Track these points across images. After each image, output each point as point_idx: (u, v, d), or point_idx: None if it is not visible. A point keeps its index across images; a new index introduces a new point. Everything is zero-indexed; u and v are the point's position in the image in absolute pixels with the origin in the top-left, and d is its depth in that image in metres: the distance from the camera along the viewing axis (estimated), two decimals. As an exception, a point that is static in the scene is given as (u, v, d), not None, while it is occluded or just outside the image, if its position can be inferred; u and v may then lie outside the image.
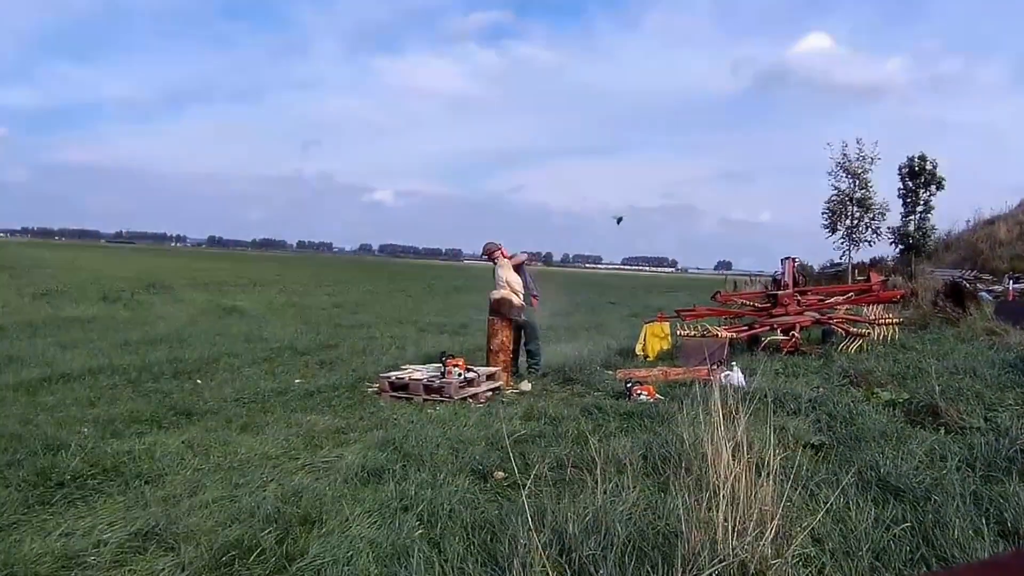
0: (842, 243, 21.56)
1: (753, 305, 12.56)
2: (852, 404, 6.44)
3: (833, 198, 21.53)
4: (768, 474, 3.28)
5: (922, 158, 21.58)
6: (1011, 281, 16.79)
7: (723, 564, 2.90)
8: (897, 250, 22.65)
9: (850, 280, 19.12)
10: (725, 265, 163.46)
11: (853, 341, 10.33)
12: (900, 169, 21.88)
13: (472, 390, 7.64)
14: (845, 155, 21.19)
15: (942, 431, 5.47)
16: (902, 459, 4.63)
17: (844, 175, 21.31)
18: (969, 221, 25.49)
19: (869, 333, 10.53)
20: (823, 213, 21.67)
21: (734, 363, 8.22)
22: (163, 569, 3.26)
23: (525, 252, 9.56)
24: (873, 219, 21.25)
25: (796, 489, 3.72)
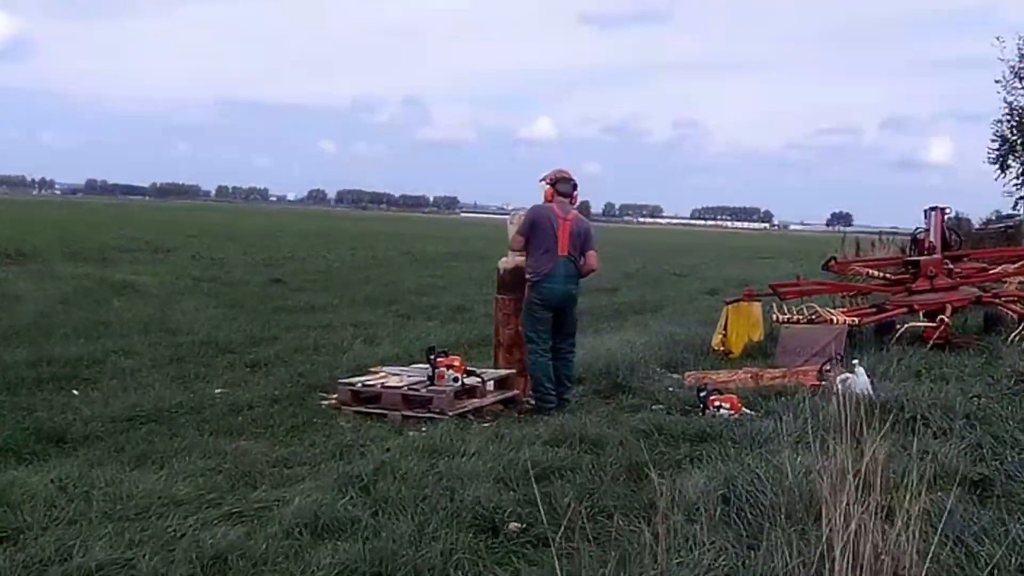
0: (1016, 186, 21.19)
1: (884, 277, 12.47)
2: (1029, 421, 6.41)
3: (1004, 119, 21.10)
4: (906, 522, 3.27)
5: None
6: None
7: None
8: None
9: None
10: (842, 219, 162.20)
11: (1031, 329, 10.25)
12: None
13: (473, 403, 7.66)
14: (1024, 54, 20.74)
15: None
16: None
17: (1022, 85, 20.87)
18: None
19: (1054, 317, 10.45)
20: (992, 141, 21.28)
21: (856, 361, 8.18)
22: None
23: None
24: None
25: (946, 544, 3.71)
